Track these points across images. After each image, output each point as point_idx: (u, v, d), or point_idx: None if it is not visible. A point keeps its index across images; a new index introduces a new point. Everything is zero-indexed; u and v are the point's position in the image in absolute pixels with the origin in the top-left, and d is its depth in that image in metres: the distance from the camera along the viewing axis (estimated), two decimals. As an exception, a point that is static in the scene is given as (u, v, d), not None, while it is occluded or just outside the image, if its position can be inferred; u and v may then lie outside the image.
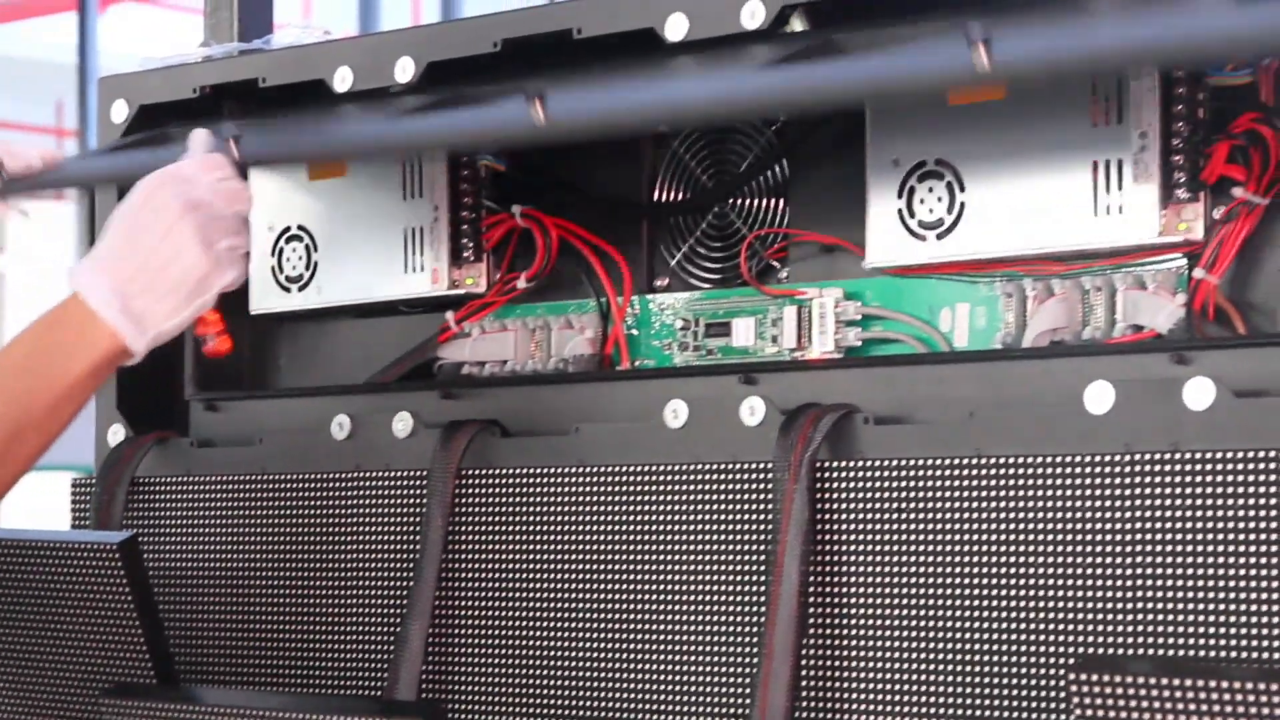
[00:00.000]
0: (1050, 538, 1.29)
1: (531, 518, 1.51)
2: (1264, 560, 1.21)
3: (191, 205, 1.39)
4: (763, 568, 1.39)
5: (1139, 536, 1.25)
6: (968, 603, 1.32)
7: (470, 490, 1.54)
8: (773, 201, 1.53)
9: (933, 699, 1.33)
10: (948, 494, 1.33)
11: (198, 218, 1.39)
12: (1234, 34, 1.14)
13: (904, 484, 1.34)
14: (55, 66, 9.26)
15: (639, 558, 1.46)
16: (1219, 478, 1.23)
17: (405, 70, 1.56)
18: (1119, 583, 1.26)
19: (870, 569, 1.36)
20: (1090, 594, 1.27)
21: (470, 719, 1.54)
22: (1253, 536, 1.22)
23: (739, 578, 1.41)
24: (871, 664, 1.36)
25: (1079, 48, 1.19)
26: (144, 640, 1.61)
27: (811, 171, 1.50)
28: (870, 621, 1.36)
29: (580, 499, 1.49)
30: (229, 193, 1.42)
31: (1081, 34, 1.20)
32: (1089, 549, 1.27)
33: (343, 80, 1.60)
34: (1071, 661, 1.26)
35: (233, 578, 1.67)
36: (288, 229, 1.70)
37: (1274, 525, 1.21)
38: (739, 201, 1.55)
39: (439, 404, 1.60)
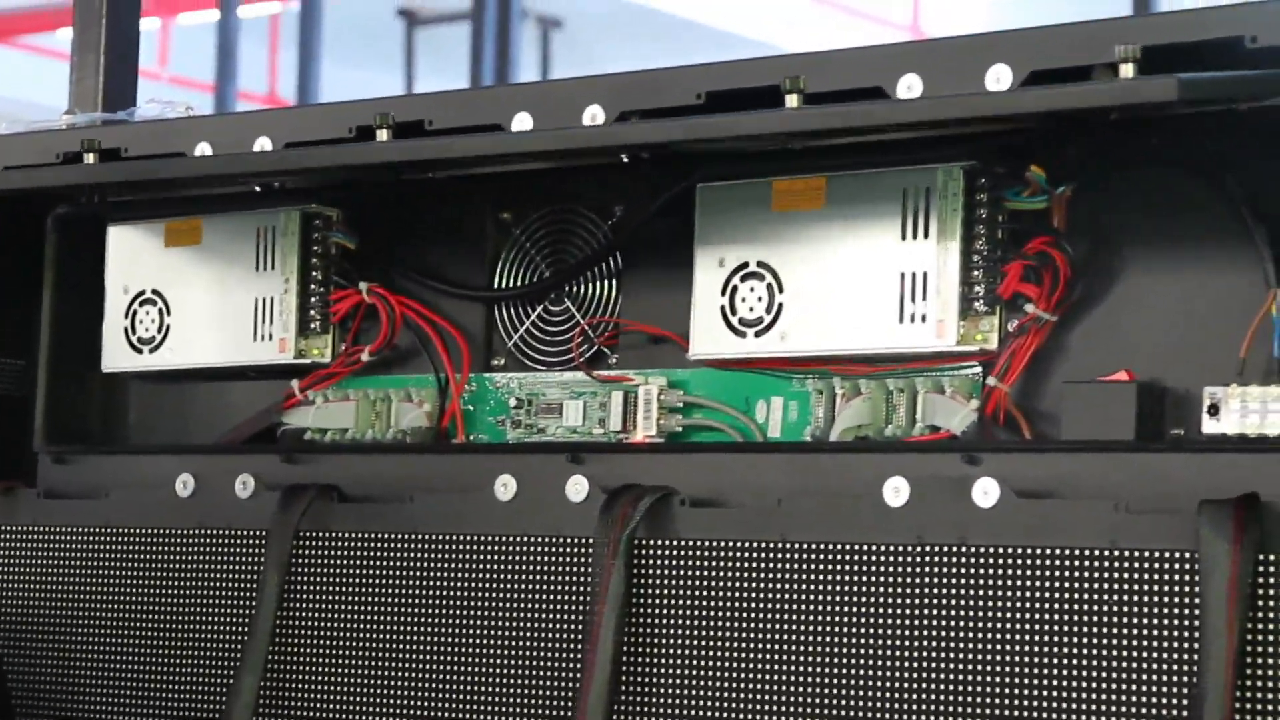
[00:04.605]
0: (846, 619, 1.39)
1: (365, 580, 1.59)
2: (1036, 648, 1.32)
3: None
4: (581, 637, 1.48)
5: (926, 620, 1.36)
6: (769, 676, 1.42)
7: (307, 551, 1.62)
8: (606, 291, 1.62)
9: (732, 765, 1.43)
10: (755, 574, 1.43)
11: None
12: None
13: (715, 563, 1.44)
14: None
15: (464, 622, 1.54)
16: (1000, 570, 1.34)
17: (264, 148, 1.64)
18: (906, 661, 1.36)
19: (681, 642, 1.45)
20: (879, 670, 1.37)
21: (297, 769, 1.62)
22: (1027, 625, 1.33)
23: (558, 645, 1.50)
24: (677, 730, 1.45)
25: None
26: (-16, 683, 1.67)
27: (643, 266, 1.60)
28: (678, 692, 1.45)
29: (412, 564, 1.57)
30: None
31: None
32: (881, 630, 1.38)
33: (203, 154, 1.67)
34: (860, 735, 1.37)
35: (74, 627, 1.73)
36: (142, 292, 1.77)
37: (1047, 616, 1.32)
38: (574, 289, 1.64)
39: (280, 467, 1.68)
